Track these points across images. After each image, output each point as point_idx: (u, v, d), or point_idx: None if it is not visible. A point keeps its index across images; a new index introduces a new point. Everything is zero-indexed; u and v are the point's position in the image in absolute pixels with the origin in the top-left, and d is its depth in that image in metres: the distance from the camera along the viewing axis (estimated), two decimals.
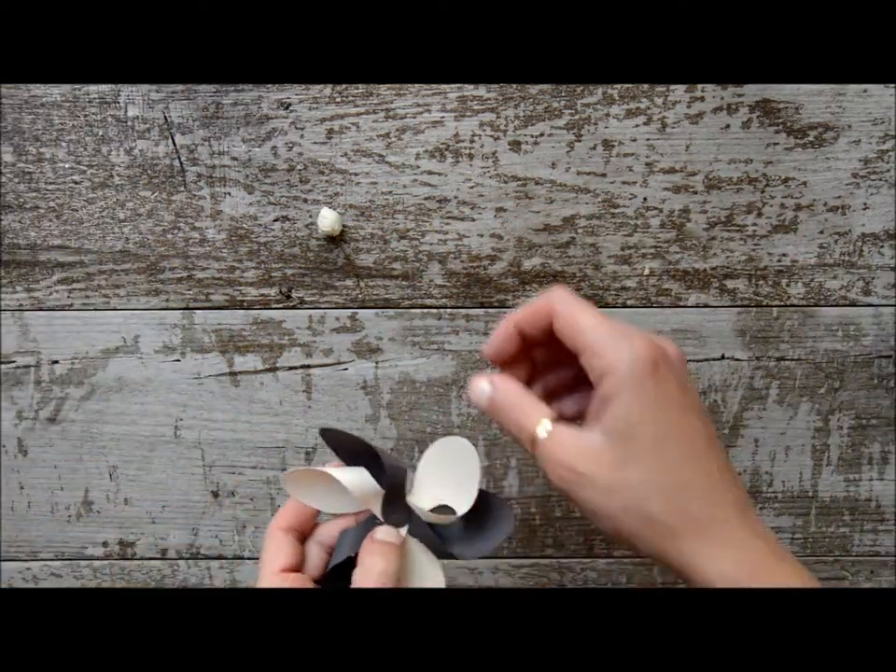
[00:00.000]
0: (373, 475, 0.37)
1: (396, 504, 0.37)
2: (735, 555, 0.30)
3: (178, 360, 0.46)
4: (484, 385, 0.34)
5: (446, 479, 0.38)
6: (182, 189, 0.44)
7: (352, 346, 0.46)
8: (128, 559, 0.48)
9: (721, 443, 0.32)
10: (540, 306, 0.34)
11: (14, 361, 0.46)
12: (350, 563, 0.35)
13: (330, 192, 0.44)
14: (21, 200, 0.44)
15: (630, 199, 0.44)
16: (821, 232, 0.45)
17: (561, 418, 0.33)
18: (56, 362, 0.46)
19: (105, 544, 0.48)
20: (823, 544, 0.48)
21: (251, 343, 0.46)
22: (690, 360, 0.46)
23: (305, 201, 0.44)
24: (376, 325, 0.45)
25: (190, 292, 0.45)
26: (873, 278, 0.45)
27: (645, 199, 0.44)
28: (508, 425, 0.34)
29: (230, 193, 0.44)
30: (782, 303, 0.45)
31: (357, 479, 0.36)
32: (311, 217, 0.44)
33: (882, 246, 0.45)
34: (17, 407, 0.46)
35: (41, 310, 0.45)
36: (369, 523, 0.37)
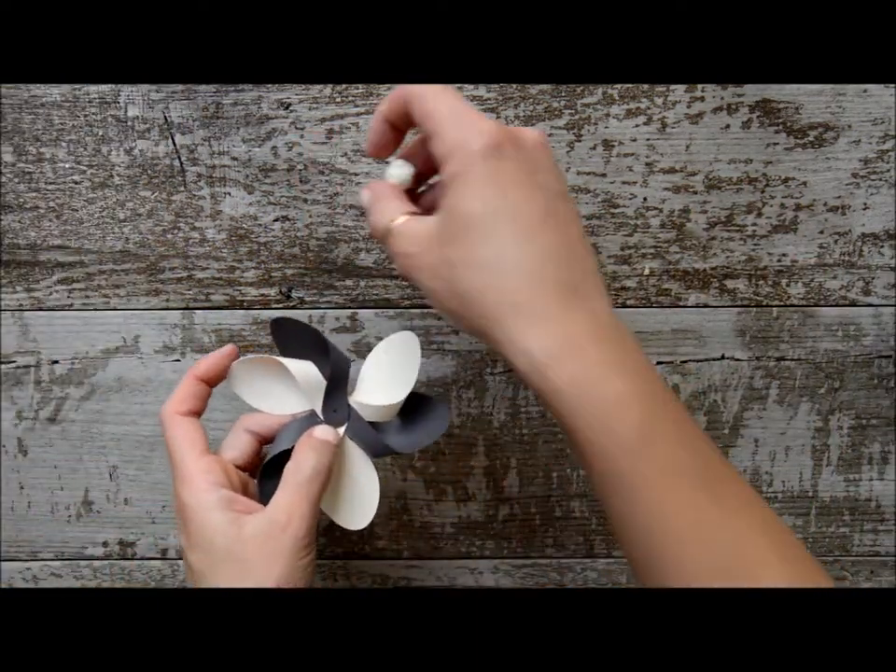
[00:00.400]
0: (320, 370, 0.38)
1: (337, 397, 0.37)
2: (540, 337, 0.30)
3: (178, 360, 0.46)
4: (364, 193, 0.35)
5: (388, 374, 0.38)
6: (182, 188, 0.44)
7: (352, 346, 0.46)
8: (128, 559, 0.48)
9: (573, 227, 0.31)
10: (398, 95, 0.33)
11: (14, 361, 0.46)
12: (287, 456, 0.36)
13: (330, 192, 0.44)
14: (21, 200, 0.44)
15: (630, 199, 0.44)
16: (821, 232, 0.45)
17: (423, 212, 0.33)
18: (56, 362, 0.46)
19: (105, 544, 0.48)
20: (823, 544, 0.48)
21: (251, 342, 0.46)
22: (690, 360, 0.46)
23: (305, 201, 0.44)
24: (376, 325, 0.45)
25: (190, 292, 0.45)
26: (873, 278, 0.45)
27: (645, 199, 0.44)
28: (371, 226, 0.34)
29: (230, 193, 0.44)
30: (782, 303, 0.45)
31: (303, 368, 0.37)
32: (311, 217, 0.44)
33: (882, 246, 0.45)
34: (17, 407, 0.46)
35: (41, 310, 0.45)
36: (310, 419, 0.38)
